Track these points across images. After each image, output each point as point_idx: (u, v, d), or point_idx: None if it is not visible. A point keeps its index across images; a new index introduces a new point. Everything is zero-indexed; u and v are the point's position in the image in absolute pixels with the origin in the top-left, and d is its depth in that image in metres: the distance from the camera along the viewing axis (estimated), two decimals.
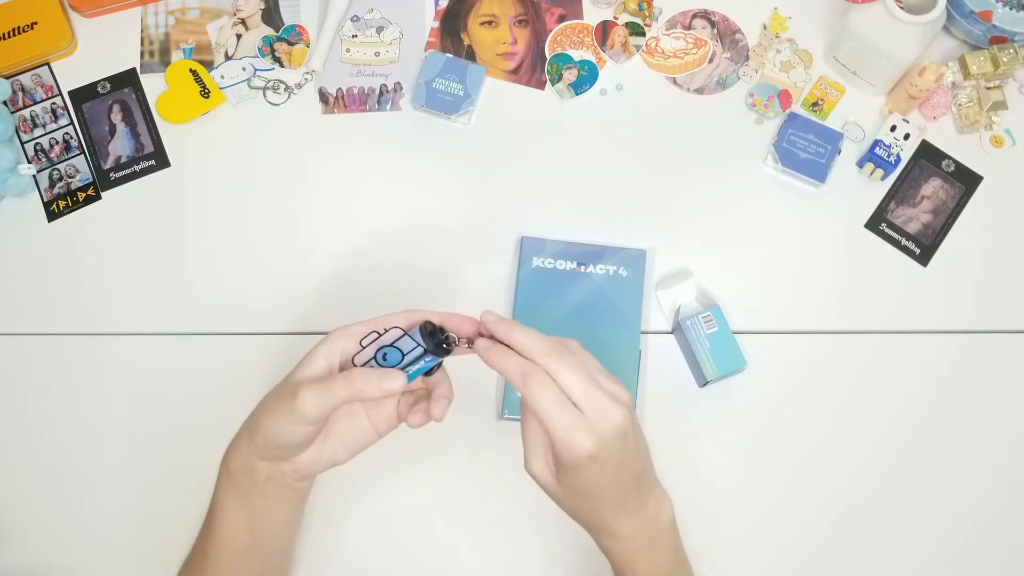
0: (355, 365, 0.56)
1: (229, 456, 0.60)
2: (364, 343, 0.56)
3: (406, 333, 0.55)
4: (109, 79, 0.86)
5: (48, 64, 0.86)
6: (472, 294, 0.79)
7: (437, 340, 0.55)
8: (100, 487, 0.75)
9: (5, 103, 0.84)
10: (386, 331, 0.56)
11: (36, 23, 0.85)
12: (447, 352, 0.56)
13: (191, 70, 0.84)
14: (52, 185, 0.83)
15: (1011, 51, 0.80)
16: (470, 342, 0.56)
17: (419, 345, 0.54)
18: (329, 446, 0.59)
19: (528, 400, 0.51)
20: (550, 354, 0.51)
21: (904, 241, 0.80)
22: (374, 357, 0.55)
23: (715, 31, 0.87)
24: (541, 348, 0.51)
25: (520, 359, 0.52)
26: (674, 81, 0.85)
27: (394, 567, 0.73)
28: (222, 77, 0.85)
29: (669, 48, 0.86)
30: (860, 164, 0.82)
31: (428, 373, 0.58)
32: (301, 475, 0.60)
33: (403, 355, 0.54)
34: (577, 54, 0.86)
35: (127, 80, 0.86)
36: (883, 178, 0.81)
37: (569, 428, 0.50)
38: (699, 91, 0.85)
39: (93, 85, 0.86)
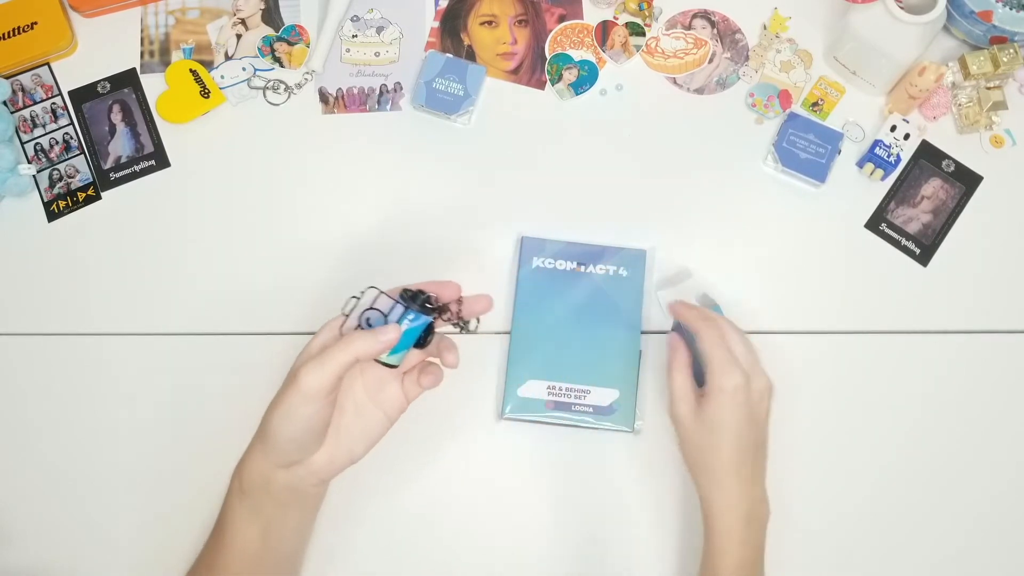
0: (341, 334, 0.57)
1: (242, 469, 0.60)
2: (346, 311, 0.57)
3: (383, 293, 0.56)
4: (109, 79, 0.86)
5: (48, 64, 0.86)
6: (472, 294, 0.79)
7: (418, 300, 0.57)
8: (100, 487, 0.75)
9: (5, 103, 0.84)
10: (362, 294, 0.57)
11: (36, 23, 0.85)
12: (431, 311, 0.57)
13: (191, 70, 0.84)
14: (52, 185, 0.83)
15: (1011, 51, 0.80)
16: (459, 315, 0.60)
17: (397, 303, 0.55)
18: (343, 442, 0.60)
19: (703, 338, 0.63)
20: (720, 320, 0.65)
21: (904, 241, 0.80)
22: (359, 324, 0.56)
23: (715, 31, 0.87)
24: (722, 318, 0.66)
25: (700, 309, 0.66)
26: (674, 81, 0.85)
27: (394, 567, 0.73)
28: (222, 77, 0.85)
29: (669, 48, 0.86)
30: (860, 164, 0.82)
31: (422, 343, 0.59)
32: (319, 478, 0.60)
33: (384, 316, 0.56)
34: (577, 54, 0.86)
35: (127, 80, 0.86)
36: (883, 178, 0.81)
37: (729, 362, 0.61)
38: (699, 91, 0.85)
39: (93, 85, 0.86)
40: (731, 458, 0.62)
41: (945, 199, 0.81)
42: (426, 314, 0.57)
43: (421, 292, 0.58)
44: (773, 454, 0.75)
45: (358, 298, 0.57)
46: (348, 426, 0.60)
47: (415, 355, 0.62)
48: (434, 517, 0.74)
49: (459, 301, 0.62)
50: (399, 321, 0.56)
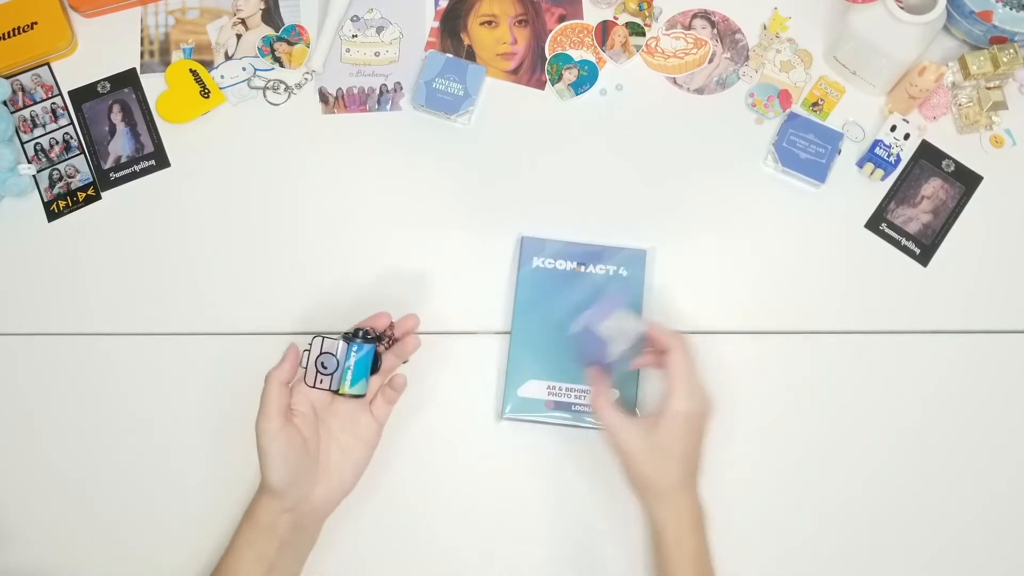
0: (307, 384, 0.66)
1: (256, 509, 0.66)
2: (303, 365, 0.66)
3: (326, 337, 0.66)
4: (109, 79, 0.86)
5: (48, 64, 0.86)
6: (472, 294, 0.79)
7: (358, 335, 0.67)
8: (100, 487, 0.75)
9: (5, 103, 0.84)
10: (311, 345, 0.66)
11: (36, 23, 0.85)
12: (371, 339, 0.67)
13: (191, 70, 0.84)
14: (52, 185, 0.83)
15: (1011, 51, 0.80)
16: (392, 336, 0.71)
17: (341, 341, 0.66)
18: (335, 478, 0.68)
19: (674, 359, 0.65)
20: (690, 344, 0.67)
21: (904, 241, 0.80)
22: (316, 371, 0.66)
23: (715, 31, 0.87)
24: (687, 338, 0.67)
25: (675, 334, 0.67)
26: (674, 81, 0.85)
27: (394, 567, 0.73)
28: (222, 77, 0.85)
29: (669, 48, 0.86)
30: (860, 164, 0.82)
31: (375, 368, 0.68)
32: (320, 514, 0.68)
33: (335, 355, 0.66)
34: (577, 54, 0.86)
35: (127, 80, 0.86)
36: (883, 178, 0.81)
37: (694, 388, 0.65)
38: (699, 91, 0.85)
39: (93, 85, 0.86)
40: (680, 478, 0.65)
41: (945, 199, 0.81)
42: (368, 343, 0.67)
43: (359, 329, 0.68)
44: (773, 453, 0.75)
45: (308, 350, 0.66)
46: (337, 463, 0.68)
47: (375, 381, 0.70)
48: (434, 517, 0.74)
49: (391, 326, 0.71)
50: (347, 356, 0.66)
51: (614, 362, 0.69)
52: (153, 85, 0.85)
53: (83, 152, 0.84)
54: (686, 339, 0.67)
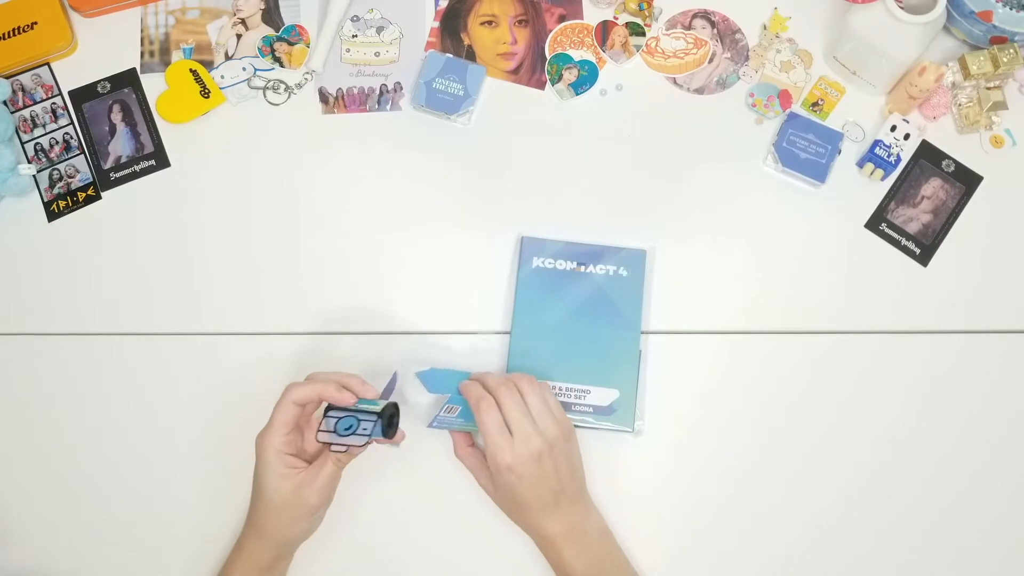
0: (318, 440, 0.66)
1: (245, 545, 0.68)
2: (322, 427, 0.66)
3: (334, 408, 0.66)
4: (109, 79, 0.86)
5: (48, 64, 0.86)
6: (472, 294, 0.79)
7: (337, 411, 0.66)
8: (100, 487, 0.76)
9: (5, 103, 0.84)
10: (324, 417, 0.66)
11: (36, 23, 0.85)
12: (373, 413, 0.66)
13: (191, 70, 0.84)
14: (52, 185, 0.83)
15: (1011, 51, 0.80)
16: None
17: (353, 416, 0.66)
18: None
19: (479, 419, 0.65)
20: (499, 388, 0.67)
21: (904, 241, 0.80)
22: (335, 431, 0.65)
23: (715, 31, 0.87)
24: (494, 382, 0.67)
25: (481, 388, 0.67)
26: (674, 81, 0.85)
27: (394, 567, 0.73)
28: (222, 77, 0.85)
29: (669, 48, 0.86)
30: (860, 164, 0.82)
31: (390, 431, 0.68)
32: (305, 537, 0.70)
33: (358, 432, 0.65)
34: (577, 54, 0.86)
35: (127, 80, 0.86)
36: (883, 178, 0.81)
37: (498, 445, 0.65)
38: (699, 91, 0.85)
39: (93, 85, 0.86)
40: (536, 509, 0.67)
41: (945, 199, 0.81)
42: (374, 416, 0.66)
43: (351, 409, 0.66)
44: (773, 453, 0.75)
45: (333, 417, 0.66)
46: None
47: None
48: (435, 517, 0.74)
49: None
50: (369, 431, 0.65)
51: (453, 420, 0.71)
52: (153, 85, 0.85)
53: (83, 152, 0.84)
54: (499, 387, 0.66)
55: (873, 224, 0.81)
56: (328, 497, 0.67)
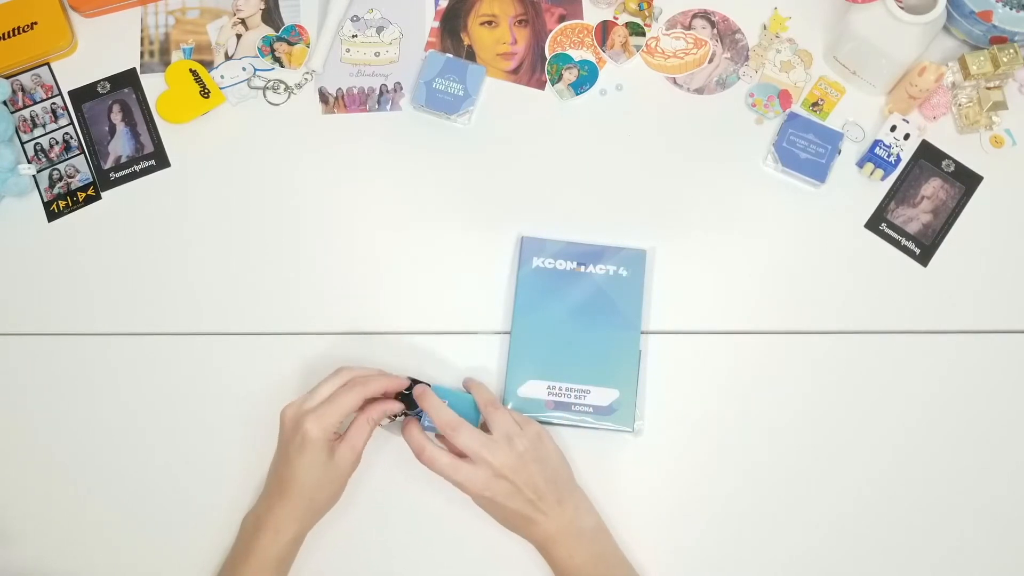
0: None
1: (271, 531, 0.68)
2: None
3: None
4: (109, 79, 0.86)
5: (48, 64, 0.86)
6: (472, 294, 0.79)
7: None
8: (100, 487, 0.75)
9: (5, 103, 0.84)
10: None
11: (36, 23, 0.85)
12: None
13: (191, 70, 0.84)
14: (52, 185, 0.83)
15: (1011, 51, 0.80)
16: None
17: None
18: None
19: (431, 466, 0.66)
20: (444, 429, 0.67)
21: (904, 241, 0.80)
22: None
23: (715, 31, 0.87)
24: (442, 421, 0.68)
25: (420, 437, 0.68)
26: (674, 81, 0.85)
27: (394, 568, 0.73)
28: (222, 77, 0.85)
29: (669, 48, 0.86)
30: (860, 164, 0.82)
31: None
32: (330, 506, 0.71)
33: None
34: (577, 54, 0.86)
35: (127, 80, 0.86)
36: (883, 178, 0.81)
37: (461, 479, 0.66)
38: (699, 91, 0.85)
39: (93, 85, 0.86)
40: (518, 521, 0.68)
41: (945, 199, 0.81)
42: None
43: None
44: (773, 453, 0.75)
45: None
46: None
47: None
48: (435, 517, 0.74)
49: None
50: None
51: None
52: (153, 85, 0.85)
53: (83, 152, 0.84)
54: (426, 447, 0.67)
55: (873, 224, 0.81)
56: (358, 459, 0.69)
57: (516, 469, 0.67)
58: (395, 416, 0.71)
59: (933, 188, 0.81)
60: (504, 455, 0.67)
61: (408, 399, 0.70)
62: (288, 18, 0.88)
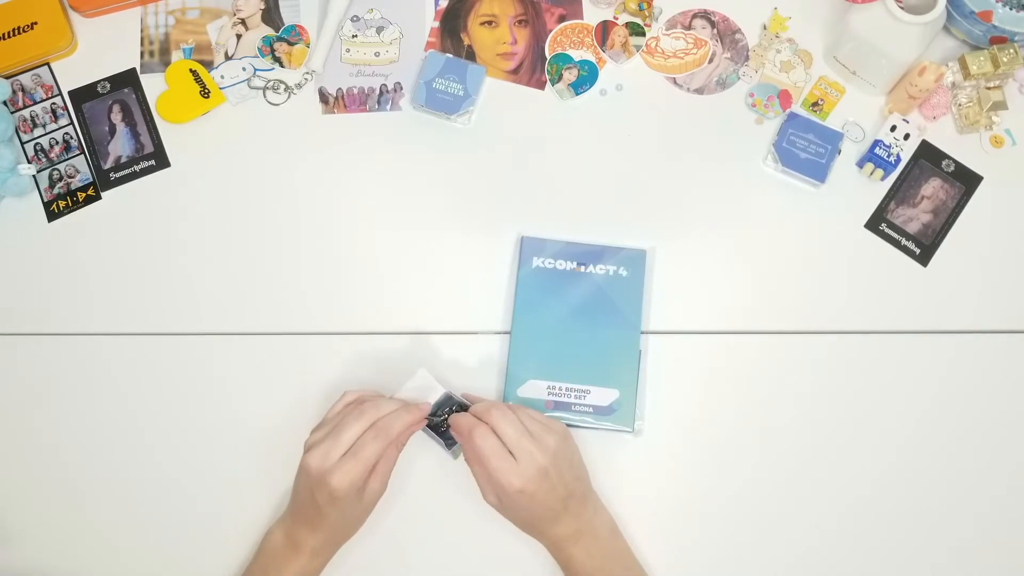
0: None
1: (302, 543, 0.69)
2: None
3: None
4: (109, 79, 0.86)
5: (48, 64, 0.86)
6: (472, 294, 0.79)
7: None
8: (100, 487, 0.76)
9: (5, 103, 0.84)
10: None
11: (36, 23, 0.85)
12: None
13: (191, 70, 0.84)
14: (52, 185, 0.83)
15: (1011, 51, 0.80)
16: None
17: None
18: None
19: (475, 448, 0.65)
20: (490, 412, 0.66)
21: (904, 241, 0.80)
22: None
23: (715, 31, 0.87)
24: (482, 408, 0.67)
25: (470, 417, 0.67)
26: (674, 81, 0.85)
27: (394, 568, 0.73)
28: (222, 77, 0.85)
29: (669, 48, 0.86)
30: (860, 164, 0.82)
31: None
32: (357, 528, 0.71)
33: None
34: (577, 54, 0.86)
35: (127, 80, 0.86)
36: (883, 178, 0.81)
37: (503, 470, 0.64)
38: (699, 91, 0.85)
39: (93, 85, 0.86)
40: (547, 519, 0.67)
41: (945, 199, 0.81)
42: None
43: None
44: (774, 453, 0.75)
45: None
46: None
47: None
48: (435, 518, 0.74)
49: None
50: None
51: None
52: (153, 85, 0.85)
53: (83, 152, 0.84)
54: (489, 411, 0.66)
55: (873, 224, 0.81)
56: (387, 486, 0.68)
57: (556, 464, 0.66)
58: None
59: (933, 188, 0.81)
60: (546, 449, 0.66)
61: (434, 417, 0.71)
62: (288, 18, 0.88)
